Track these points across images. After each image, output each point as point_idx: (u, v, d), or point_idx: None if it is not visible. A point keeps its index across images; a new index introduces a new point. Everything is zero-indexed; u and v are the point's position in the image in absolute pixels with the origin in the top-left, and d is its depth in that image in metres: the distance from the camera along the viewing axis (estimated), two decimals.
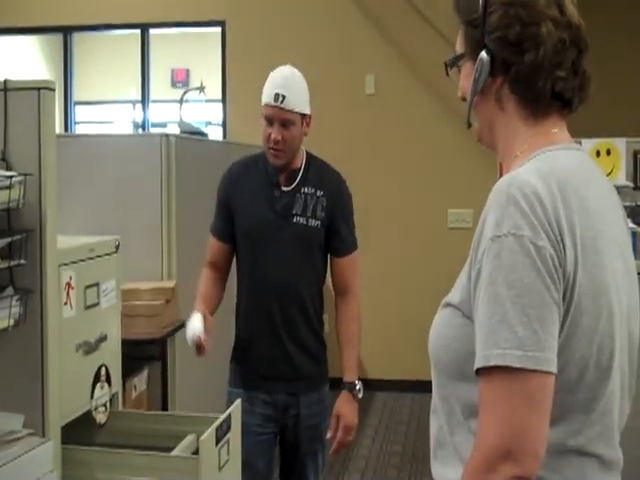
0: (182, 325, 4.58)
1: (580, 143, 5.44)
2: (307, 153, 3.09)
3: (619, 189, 5.45)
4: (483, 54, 1.45)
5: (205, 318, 2.84)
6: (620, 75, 7.88)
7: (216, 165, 5.92)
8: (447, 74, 1.62)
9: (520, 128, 1.48)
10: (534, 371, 1.26)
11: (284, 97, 2.88)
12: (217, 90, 7.53)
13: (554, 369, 1.28)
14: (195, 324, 2.81)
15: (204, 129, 6.60)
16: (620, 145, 5.45)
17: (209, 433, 2.40)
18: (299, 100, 2.94)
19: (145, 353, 4.30)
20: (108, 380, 2.69)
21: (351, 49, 7.13)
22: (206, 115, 8.78)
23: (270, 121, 2.92)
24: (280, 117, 2.90)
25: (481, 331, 1.30)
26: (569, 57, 1.44)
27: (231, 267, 3.15)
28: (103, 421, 2.66)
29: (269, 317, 2.97)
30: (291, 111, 2.91)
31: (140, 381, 4.30)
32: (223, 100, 7.51)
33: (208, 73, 7.76)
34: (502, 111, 1.49)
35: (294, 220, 2.95)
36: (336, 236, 2.99)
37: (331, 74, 7.11)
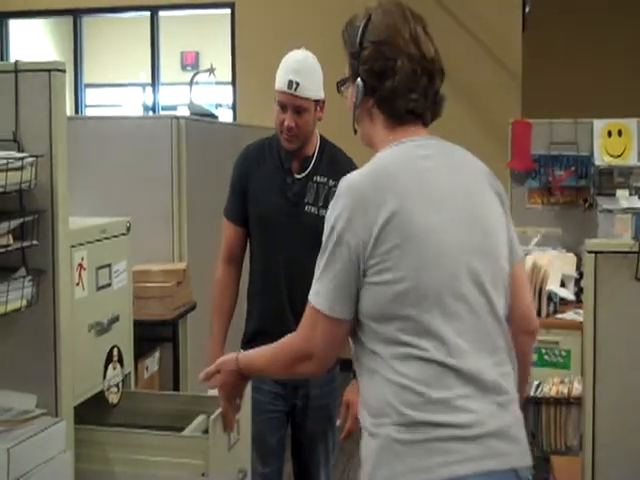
0: (193, 307, 4.60)
1: (592, 124, 5.43)
2: (321, 138, 3.05)
3: (630, 169, 5.44)
4: (358, 80, 1.91)
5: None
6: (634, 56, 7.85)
7: (226, 147, 5.92)
8: (339, 91, 2.03)
9: (383, 134, 1.93)
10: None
11: (298, 84, 2.84)
12: (227, 72, 7.52)
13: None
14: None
15: (214, 111, 6.59)
16: (632, 126, 5.42)
17: (219, 413, 2.41)
18: (313, 86, 2.90)
19: (157, 334, 4.32)
20: (120, 361, 2.70)
21: None
22: (216, 97, 8.76)
23: (283, 107, 2.88)
24: (294, 104, 2.87)
25: None
26: (421, 84, 1.87)
27: (245, 253, 3.13)
28: (115, 401, 2.68)
29: (279, 300, 2.96)
30: (305, 98, 2.87)
31: (152, 362, 4.32)
32: (233, 82, 7.50)
33: (218, 55, 7.75)
34: (372, 122, 1.94)
35: (305, 209, 2.94)
36: None
37: (341, 56, 7.07)
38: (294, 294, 2.90)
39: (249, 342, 3.04)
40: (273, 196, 2.94)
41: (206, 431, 2.49)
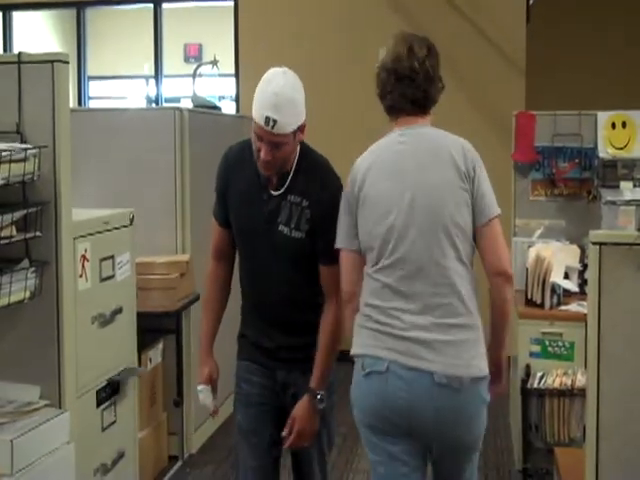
0: (197, 298, 4.61)
1: (596, 116, 5.41)
2: (301, 151, 2.83)
3: (634, 161, 5.41)
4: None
5: (212, 385, 2.92)
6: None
7: (229, 139, 5.90)
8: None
9: (391, 126, 2.73)
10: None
11: (275, 122, 2.62)
12: (230, 64, 7.50)
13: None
14: (205, 401, 2.88)
15: (217, 103, 6.58)
16: (636, 118, 5.41)
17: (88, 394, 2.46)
18: (291, 119, 2.66)
19: (160, 326, 4.32)
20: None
21: (365, 22, 7.09)
22: (219, 89, 8.75)
23: (260, 138, 2.68)
24: (270, 140, 2.66)
25: None
26: (387, 86, 2.73)
27: (235, 251, 3.02)
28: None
29: (250, 305, 2.94)
30: (283, 135, 2.66)
31: (155, 354, 4.32)
32: (236, 74, 7.48)
33: (221, 47, 7.73)
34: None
35: (279, 228, 2.81)
36: (317, 247, 2.80)
37: (344, 47, 7.08)
38: (262, 302, 2.88)
39: (239, 337, 3.03)
40: (250, 211, 2.84)
41: None
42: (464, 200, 2.54)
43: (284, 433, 2.81)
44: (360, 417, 2.60)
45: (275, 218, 2.79)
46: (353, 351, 2.60)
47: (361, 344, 2.57)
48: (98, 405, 2.52)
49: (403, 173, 2.58)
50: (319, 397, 2.80)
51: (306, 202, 2.77)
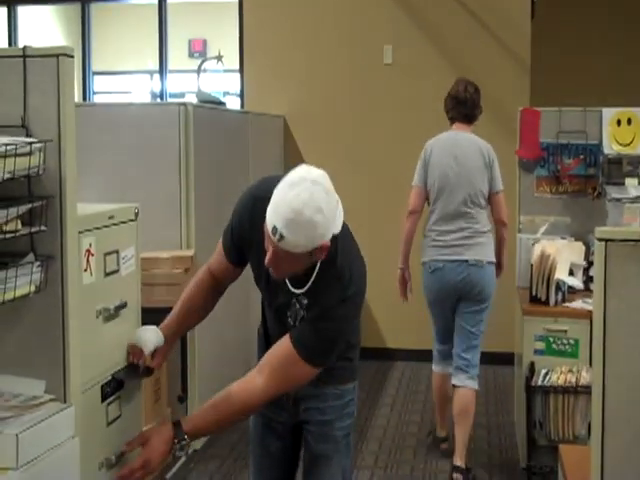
0: None
1: (601, 113, 5.41)
2: (329, 256, 2.41)
3: (639, 158, 5.42)
4: None
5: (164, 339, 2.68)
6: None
7: (234, 134, 5.93)
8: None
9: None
10: None
11: (282, 237, 2.25)
12: (235, 60, 7.51)
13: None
14: (146, 336, 2.64)
15: (222, 99, 6.58)
16: None
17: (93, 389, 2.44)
18: (304, 243, 2.27)
19: None
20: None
21: (370, 19, 7.08)
22: (224, 85, 8.75)
23: (267, 239, 2.34)
24: (276, 251, 2.32)
25: None
26: (450, 106, 4.93)
27: (230, 284, 2.82)
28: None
29: (272, 333, 2.72)
30: (289, 252, 2.30)
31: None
32: (241, 70, 7.48)
33: (225, 43, 7.73)
34: None
35: (288, 320, 2.56)
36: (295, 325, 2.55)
37: (349, 44, 7.07)
38: (273, 329, 2.71)
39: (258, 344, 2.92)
40: (265, 286, 2.62)
41: None
42: (486, 177, 4.77)
43: (123, 448, 2.53)
44: (429, 296, 4.85)
45: (285, 311, 2.55)
46: (423, 259, 4.81)
47: (427, 254, 4.78)
48: (103, 400, 2.51)
49: (453, 156, 4.77)
50: (182, 442, 2.45)
51: (310, 311, 2.49)
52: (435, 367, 5.03)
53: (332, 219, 2.30)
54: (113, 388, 2.56)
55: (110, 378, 2.55)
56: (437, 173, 4.74)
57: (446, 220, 4.72)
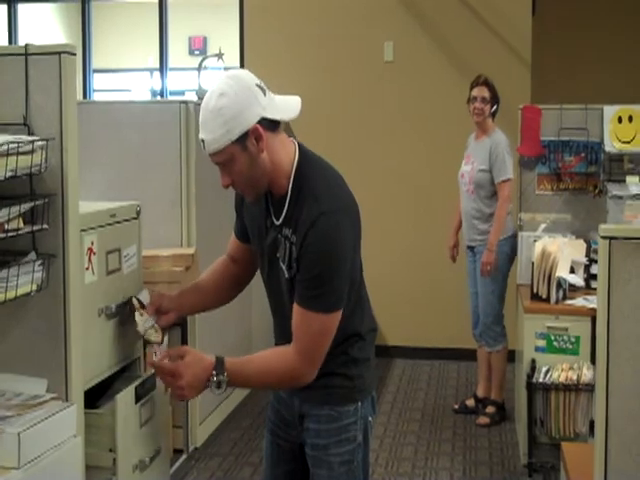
0: None
1: (602, 110, 5.40)
2: (297, 171, 2.37)
3: None
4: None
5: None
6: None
7: None
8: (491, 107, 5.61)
9: None
10: None
11: (203, 142, 2.27)
12: (235, 57, 7.50)
13: None
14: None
15: None
16: None
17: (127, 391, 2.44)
18: (221, 133, 2.23)
19: None
20: (143, 307, 2.54)
21: (370, 16, 7.07)
22: None
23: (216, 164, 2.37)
24: (217, 162, 2.33)
25: None
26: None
27: (254, 269, 2.70)
28: (159, 339, 2.58)
29: (279, 332, 2.58)
30: (216, 153, 2.28)
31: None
32: (241, 67, 7.48)
33: (226, 40, 7.72)
34: None
35: (279, 264, 2.43)
36: (295, 287, 2.38)
37: (350, 41, 7.06)
38: (280, 327, 2.57)
39: None
40: (259, 240, 2.54)
41: None
42: (490, 167, 5.30)
43: (153, 360, 2.48)
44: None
45: (275, 252, 2.43)
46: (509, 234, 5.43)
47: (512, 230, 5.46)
48: (137, 401, 2.52)
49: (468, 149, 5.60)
50: (219, 377, 2.33)
51: (294, 237, 2.36)
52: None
53: (244, 100, 2.24)
54: (146, 389, 2.56)
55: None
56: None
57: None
